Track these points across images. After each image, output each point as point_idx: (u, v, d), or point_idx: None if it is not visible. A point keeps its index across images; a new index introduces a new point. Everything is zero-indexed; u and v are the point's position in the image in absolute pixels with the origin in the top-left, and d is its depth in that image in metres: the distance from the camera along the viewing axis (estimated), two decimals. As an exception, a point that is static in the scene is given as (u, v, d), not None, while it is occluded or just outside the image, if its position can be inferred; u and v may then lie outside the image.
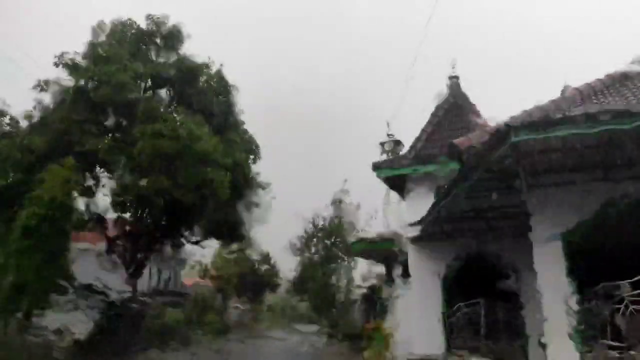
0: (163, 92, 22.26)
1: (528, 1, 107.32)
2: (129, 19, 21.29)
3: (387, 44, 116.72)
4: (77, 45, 20.29)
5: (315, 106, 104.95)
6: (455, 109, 14.64)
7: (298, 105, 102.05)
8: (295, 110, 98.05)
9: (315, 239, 29.85)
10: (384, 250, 13.79)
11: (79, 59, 19.92)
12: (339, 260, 28.35)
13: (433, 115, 14.80)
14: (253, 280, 42.47)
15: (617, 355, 5.88)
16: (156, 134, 18.14)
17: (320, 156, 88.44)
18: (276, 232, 31.96)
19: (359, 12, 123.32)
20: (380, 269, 21.76)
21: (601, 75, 7.30)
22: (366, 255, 18.17)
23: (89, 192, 20.38)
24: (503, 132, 5.40)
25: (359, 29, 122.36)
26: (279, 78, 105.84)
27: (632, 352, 5.79)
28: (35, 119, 19.70)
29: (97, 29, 20.85)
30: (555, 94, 7.06)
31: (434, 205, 9.10)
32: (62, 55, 19.69)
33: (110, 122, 20.48)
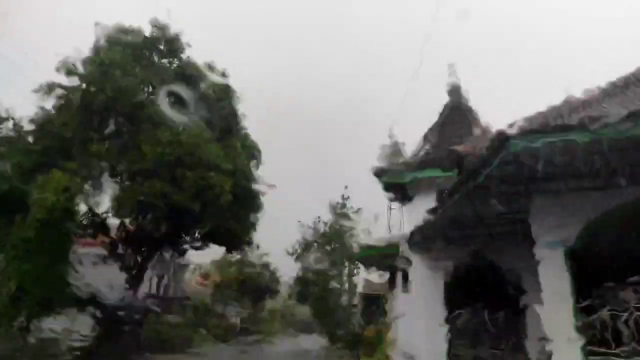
0: (165, 98, 22.33)
1: (532, 3, 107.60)
2: (132, 25, 21.40)
3: (390, 47, 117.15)
4: (79, 49, 20.30)
5: (318, 110, 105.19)
6: (456, 115, 14.67)
7: (300, 109, 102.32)
8: (297, 114, 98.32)
9: (316, 245, 29.80)
10: (385, 256, 13.76)
11: (81, 64, 20.01)
12: (340, 266, 28.28)
13: (434, 121, 14.84)
14: (253, 285, 42.37)
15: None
16: (158, 139, 18.20)
17: (323, 160, 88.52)
18: (277, 237, 31.93)
19: (362, 15, 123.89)
20: (382, 274, 21.71)
21: (603, 81, 7.31)
22: (367, 261, 18.12)
23: (90, 197, 20.40)
24: (502, 139, 5.42)
25: (362, 30, 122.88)
26: (281, 82, 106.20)
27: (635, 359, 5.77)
28: (37, 124, 19.75)
29: (100, 34, 20.95)
30: (559, 98, 7.08)
31: (435, 211, 9.09)
32: (65, 59, 19.78)
33: (112, 127, 20.53)
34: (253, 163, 23.52)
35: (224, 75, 23.02)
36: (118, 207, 19.90)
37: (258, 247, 34.71)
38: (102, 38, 20.97)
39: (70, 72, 19.86)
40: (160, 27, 21.80)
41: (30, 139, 19.47)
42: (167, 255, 28.23)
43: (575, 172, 6.35)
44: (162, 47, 21.95)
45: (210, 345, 28.70)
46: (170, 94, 22.13)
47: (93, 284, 21.40)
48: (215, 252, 31.71)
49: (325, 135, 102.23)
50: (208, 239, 24.18)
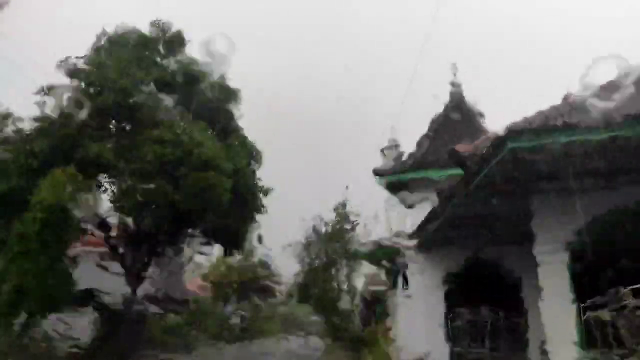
0: (166, 98, 22.32)
1: (532, 3, 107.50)
2: (133, 26, 21.38)
3: (390, 47, 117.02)
4: (80, 49, 20.30)
5: (318, 110, 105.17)
6: (456, 115, 14.69)
7: (300, 109, 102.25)
8: (297, 114, 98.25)
9: (316, 244, 29.77)
10: (386, 256, 13.77)
11: (82, 64, 20.00)
12: (341, 266, 28.26)
13: (434, 121, 14.86)
14: (253, 285, 42.39)
15: (620, 362, 5.85)
16: (158, 139, 18.19)
17: (323, 160, 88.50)
18: (278, 237, 31.91)
19: (362, 15, 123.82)
20: (382, 274, 21.69)
21: (603, 81, 7.31)
22: (368, 261, 18.14)
23: (91, 197, 20.38)
24: (503, 138, 5.42)
25: (362, 30, 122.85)
26: (281, 82, 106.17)
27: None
28: (38, 124, 19.74)
29: (101, 34, 20.96)
30: (558, 98, 7.09)
31: (435, 212, 9.10)
32: (65, 60, 19.78)
33: (113, 127, 20.52)
34: (253, 163, 23.50)
35: (224, 75, 23.02)
36: (118, 207, 19.89)
37: (258, 246, 34.73)
38: (102, 38, 20.98)
39: (70, 72, 19.86)
40: (160, 27, 21.80)
41: (30, 139, 19.44)
42: (167, 255, 28.21)
43: (575, 172, 6.35)
44: (162, 47, 21.94)
45: (210, 345, 28.70)
46: (171, 93, 22.14)
47: (93, 283, 21.45)
48: (216, 252, 31.72)
49: (325, 135, 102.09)
50: (208, 238, 24.17)
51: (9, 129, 20.12)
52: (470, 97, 15.22)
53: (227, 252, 27.53)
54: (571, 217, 6.55)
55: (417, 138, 14.79)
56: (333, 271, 28.35)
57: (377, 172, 13.81)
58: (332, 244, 28.49)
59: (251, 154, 23.27)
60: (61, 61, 19.68)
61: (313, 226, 29.66)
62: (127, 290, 21.87)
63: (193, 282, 42.20)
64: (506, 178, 6.43)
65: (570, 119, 5.43)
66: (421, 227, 10.38)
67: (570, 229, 6.55)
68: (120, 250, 22.01)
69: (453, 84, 15.28)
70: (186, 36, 22.19)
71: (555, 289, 6.50)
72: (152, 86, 21.26)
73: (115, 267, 22.15)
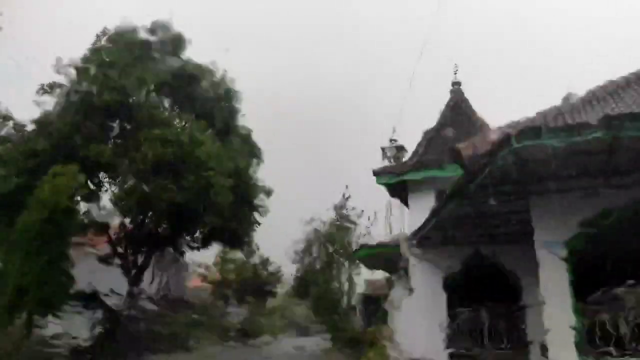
0: (166, 97, 22.34)
1: (532, 4, 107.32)
2: (133, 26, 21.37)
3: (390, 47, 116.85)
4: (81, 49, 20.35)
5: (319, 111, 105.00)
6: (457, 115, 14.69)
7: (300, 109, 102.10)
8: (297, 114, 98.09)
9: (316, 244, 29.78)
10: (386, 255, 13.77)
11: (82, 64, 20.02)
12: (341, 266, 28.29)
13: (435, 121, 14.86)
14: (254, 285, 42.38)
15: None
16: (159, 139, 18.20)
17: (324, 160, 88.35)
18: (279, 237, 31.92)
19: (362, 15, 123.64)
20: (383, 274, 21.70)
21: (603, 81, 7.32)
22: (368, 260, 18.14)
23: (91, 197, 20.40)
24: (505, 138, 5.43)
25: (362, 30, 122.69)
26: (281, 82, 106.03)
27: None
28: (38, 123, 19.76)
29: (101, 34, 20.98)
30: (559, 98, 7.10)
31: (435, 211, 9.11)
32: (66, 60, 19.81)
33: (113, 126, 20.53)
34: (254, 162, 23.51)
35: (224, 75, 23.03)
36: (119, 207, 19.91)
37: (258, 247, 34.76)
38: (102, 38, 20.98)
39: (70, 72, 19.88)
40: (160, 27, 21.80)
41: (30, 139, 19.46)
42: (167, 255, 28.24)
43: (576, 172, 6.36)
44: (162, 46, 21.93)
45: (210, 345, 28.68)
46: (171, 93, 22.14)
47: (93, 283, 21.44)
48: (215, 252, 31.76)
49: (326, 135, 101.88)
50: (208, 238, 24.19)
51: (10, 129, 20.13)
52: (471, 96, 15.25)
53: (228, 252, 27.62)
54: (571, 216, 6.57)
55: (417, 138, 14.81)
56: (333, 271, 28.40)
57: (377, 173, 13.79)
58: (332, 244, 28.54)
59: (252, 153, 23.28)
60: (61, 61, 19.74)
61: (313, 226, 29.74)
62: (127, 290, 21.88)
63: (193, 282, 42.20)
64: (507, 178, 6.45)
65: (571, 120, 5.44)
66: (421, 227, 10.38)
67: (570, 228, 6.56)
68: (121, 250, 22.03)
69: (453, 84, 15.29)
70: (186, 36, 22.22)
71: (555, 289, 6.51)
72: (152, 86, 21.28)
73: (116, 267, 22.13)
